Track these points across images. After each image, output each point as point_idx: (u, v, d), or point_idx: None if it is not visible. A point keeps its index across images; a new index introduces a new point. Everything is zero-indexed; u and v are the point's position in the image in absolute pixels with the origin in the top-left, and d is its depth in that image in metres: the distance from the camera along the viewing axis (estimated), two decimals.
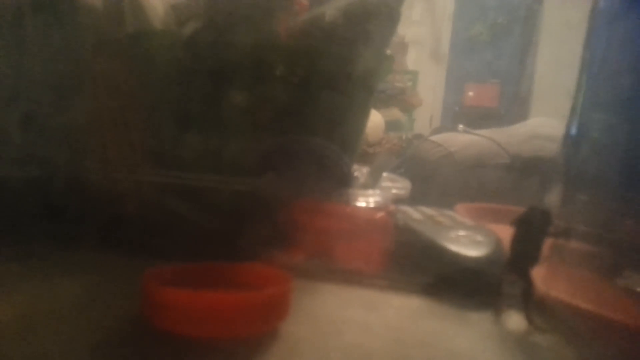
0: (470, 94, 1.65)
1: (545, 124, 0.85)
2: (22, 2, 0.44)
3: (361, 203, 0.49)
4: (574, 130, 0.45)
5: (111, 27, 0.47)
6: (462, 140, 0.86)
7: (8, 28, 0.44)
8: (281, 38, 0.46)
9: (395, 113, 1.46)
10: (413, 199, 0.58)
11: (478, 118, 1.50)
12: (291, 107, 0.46)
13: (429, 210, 0.50)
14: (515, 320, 0.34)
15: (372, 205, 0.49)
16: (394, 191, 0.59)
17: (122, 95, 0.46)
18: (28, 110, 0.44)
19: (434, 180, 0.81)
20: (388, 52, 0.53)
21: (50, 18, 0.44)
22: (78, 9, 0.45)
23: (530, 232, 0.34)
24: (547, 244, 0.36)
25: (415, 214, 0.48)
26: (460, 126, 0.97)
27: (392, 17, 0.45)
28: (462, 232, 0.42)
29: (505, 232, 0.36)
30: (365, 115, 0.53)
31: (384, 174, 0.64)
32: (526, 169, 0.74)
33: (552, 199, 0.47)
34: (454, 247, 0.39)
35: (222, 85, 0.46)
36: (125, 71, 0.46)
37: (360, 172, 0.63)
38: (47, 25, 0.44)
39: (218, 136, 0.46)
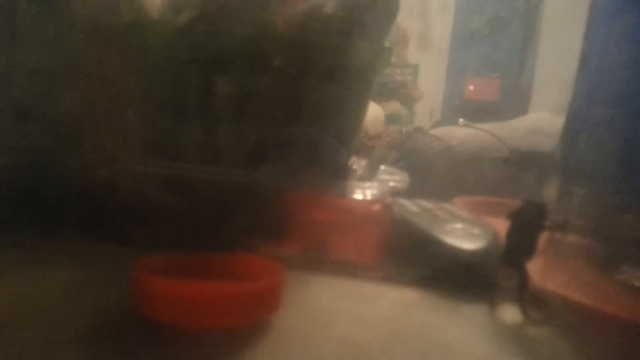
0: (471, 87, 1.65)
1: (545, 118, 0.85)
2: None
3: (358, 195, 0.49)
4: (572, 124, 0.45)
5: (106, 15, 0.46)
6: (462, 134, 0.86)
7: (1, 17, 0.43)
8: (278, 29, 0.45)
9: (396, 106, 1.46)
10: (412, 192, 0.58)
11: (478, 111, 1.49)
12: (287, 98, 0.46)
13: (426, 204, 0.49)
14: (510, 313, 0.34)
15: (368, 197, 0.48)
16: (391, 184, 0.58)
17: (116, 85, 0.45)
18: (21, 99, 0.43)
19: (433, 174, 0.80)
20: (386, 44, 0.53)
21: (44, 6, 0.44)
22: None
23: (526, 225, 0.34)
24: (543, 237, 0.35)
25: (412, 207, 0.48)
26: (461, 120, 0.96)
27: (389, 9, 0.44)
28: (458, 225, 0.42)
29: (503, 226, 0.36)
30: (362, 107, 0.52)
31: (382, 167, 0.64)
32: (524, 162, 0.73)
33: (550, 192, 0.46)
34: (450, 240, 0.39)
35: (217, 75, 0.45)
36: (120, 60, 0.45)
37: (358, 164, 0.63)
38: (40, 13, 0.44)
39: (213, 127, 0.46)
